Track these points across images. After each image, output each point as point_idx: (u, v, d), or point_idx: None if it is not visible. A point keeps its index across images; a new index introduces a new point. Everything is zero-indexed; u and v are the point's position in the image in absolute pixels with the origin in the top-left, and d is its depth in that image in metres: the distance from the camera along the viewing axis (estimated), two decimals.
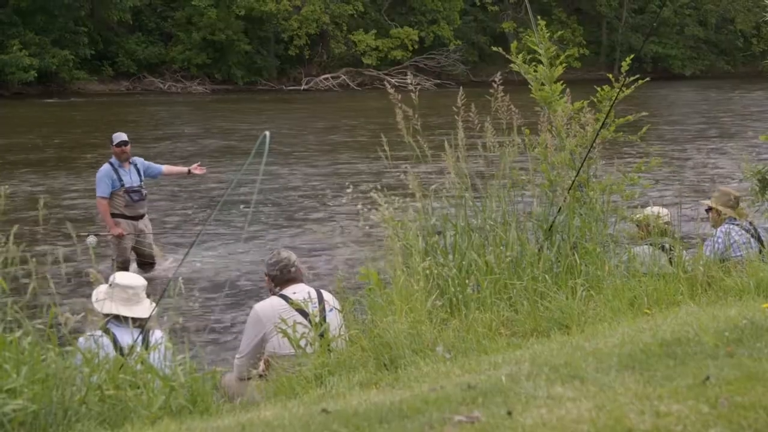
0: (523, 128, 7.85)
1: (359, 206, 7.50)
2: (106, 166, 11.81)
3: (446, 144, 7.59)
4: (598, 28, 67.62)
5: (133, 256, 12.00)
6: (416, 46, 57.93)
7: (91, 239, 11.44)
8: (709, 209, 8.74)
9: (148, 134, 29.65)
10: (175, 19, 53.65)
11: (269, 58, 54.95)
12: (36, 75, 45.39)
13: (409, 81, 7.74)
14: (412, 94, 7.58)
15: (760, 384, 3.63)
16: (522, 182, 7.96)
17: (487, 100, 7.77)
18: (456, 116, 7.64)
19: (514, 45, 8.17)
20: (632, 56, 8.23)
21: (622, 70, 7.87)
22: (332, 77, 55.35)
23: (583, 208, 7.49)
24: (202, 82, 52.68)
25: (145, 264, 11.99)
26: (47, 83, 46.84)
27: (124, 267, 11.45)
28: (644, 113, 8.13)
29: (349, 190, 7.44)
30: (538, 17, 8.27)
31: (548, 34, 7.99)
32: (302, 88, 54.00)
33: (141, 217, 12.03)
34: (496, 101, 7.71)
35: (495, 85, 7.62)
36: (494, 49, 9.28)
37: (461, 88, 8.05)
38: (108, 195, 11.70)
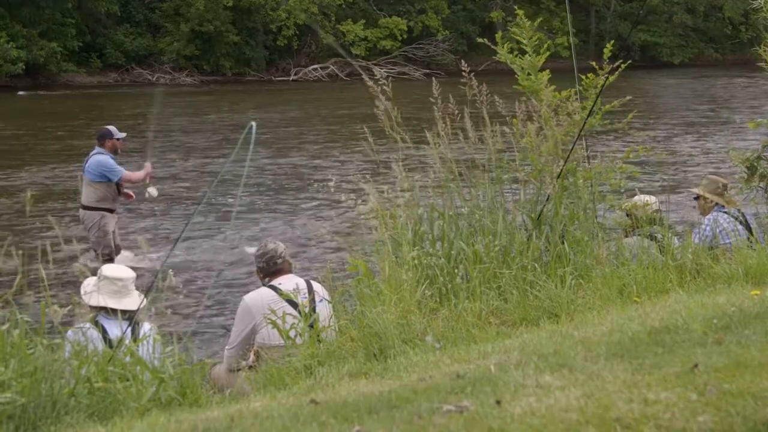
0: (509, 118, 7.85)
1: (348, 196, 7.52)
2: (107, 156, 11.80)
3: (428, 135, 7.60)
4: (587, 16, 67.52)
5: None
6: (405, 36, 57.81)
7: (152, 190, 11.70)
8: (697, 197, 8.76)
9: (136, 126, 29.55)
10: (163, 11, 53.38)
11: (258, 48, 54.74)
12: (24, 67, 45.14)
13: (378, 75, 7.76)
14: (384, 87, 7.58)
15: (749, 371, 3.64)
16: (511, 171, 7.96)
17: (471, 90, 7.76)
18: (434, 107, 7.65)
19: (498, 35, 8.14)
20: (613, 42, 8.23)
21: (605, 56, 7.85)
22: (321, 67, 55.19)
23: (571, 197, 7.49)
24: (191, 73, 52.44)
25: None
26: (35, 75, 46.60)
27: (110, 259, 11.45)
28: (628, 97, 8.12)
29: (331, 183, 7.45)
30: (516, 8, 8.26)
31: (529, 23, 7.95)
32: (291, 78, 53.81)
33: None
34: (472, 90, 7.71)
35: (465, 75, 7.62)
36: (479, 40, 9.28)
37: (433, 79, 8.05)
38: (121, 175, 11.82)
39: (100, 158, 11.76)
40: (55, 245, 7.15)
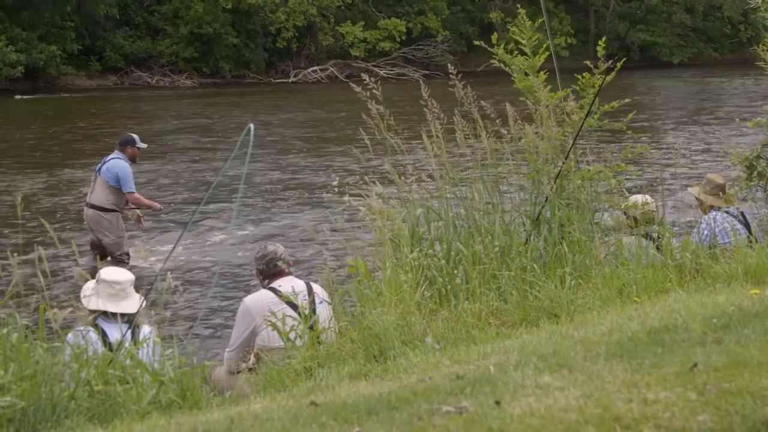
0: (498, 121, 7.84)
1: (349, 197, 7.52)
2: (127, 164, 11.88)
3: (425, 136, 7.61)
4: (586, 17, 67.59)
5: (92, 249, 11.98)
6: (404, 38, 57.85)
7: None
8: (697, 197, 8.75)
9: (136, 129, 29.55)
10: (162, 13, 53.45)
11: (257, 51, 54.77)
12: (23, 71, 45.17)
13: (366, 81, 7.77)
14: (375, 91, 7.59)
15: (748, 370, 3.64)
16: (511, 172, 7.97)
17: (463, 91, 7.76)
18: (425, 108, 7.65)
19: (494, 37, 8.11)
20: (605, 38, 8.21)
21: (599, 54, 7.84)
22: (320, 69, 55.22)
23: (569, 197, 7.47)
24: (190, 75, 52.49)
25: (105, 256, 11.91)
26: (35, 79, 46.62)
27: (126, 262, 11.49)
28: (627, 100, 8.11)
29: (334, 183, 7.44)
30: (518, 7, 8.24)
31: (529, 23, 7.94)
32: (290, 80, 53.86)
33: None
34: (461, 90, 7.70)
35: (452, 76, 7.62)
36: (476, 43, 9.28)
37: (421, 82, 8.05)
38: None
39: (122, 164, 11.80)
40: (50, 246, 7.16)
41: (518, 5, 8.25)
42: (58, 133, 29.33)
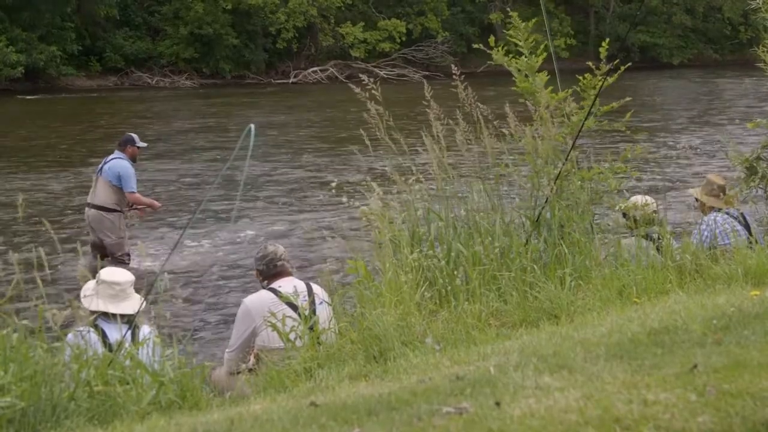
0: (496, 122, 7.84)
1: (349, 198, 7.52)
2: (128, 163, 11.93)
3: (425, 137, 7.60)
4: (586, 18, 67.61)
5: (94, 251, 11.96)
6: (404, 38, 57.87)
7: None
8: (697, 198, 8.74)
9: (153, 129, 29.56)
10: (162, 14, 53.48)
11: (257, 51, 54.78)
12: (23, 71, 45.17)
13: (365, 81, 7.78)
14: (374, 92, 7.59)
15: (748, 371, 3.64)
16: (510, 173, 7.96)
17: (464, 92, 7.75)
18: (427, 109, 7.65)
19: (491, 39, 8.10)
20: (608, 40, 8.20)
21: (601, 56, 7.84)
22: (320, 70, 55.23)
23: (569, 198, 7.47)
24: (191, 76, 52.49)
25: (105, 256, 11.89)
26: (35, 79, 46.61)
27: (126, 263, 11.47)
28: (628, 98, 8.10)
29: (334, 183, 7.43)
30: (509, 10, 8.25)
31: (524, 25, 7.93)
32: (290, 81, 53.86)
33: None
34: (464, 92, 7.70)
35: (455, 76, 7.62)
36: (475, 46, 9.29)
37: (424, 82, 8.05)
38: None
39: (124, 163, 11.85)
40: (51, 248, 7.16)
41: (508, 8, 8.27)
42: (74, 132, 29.36)
